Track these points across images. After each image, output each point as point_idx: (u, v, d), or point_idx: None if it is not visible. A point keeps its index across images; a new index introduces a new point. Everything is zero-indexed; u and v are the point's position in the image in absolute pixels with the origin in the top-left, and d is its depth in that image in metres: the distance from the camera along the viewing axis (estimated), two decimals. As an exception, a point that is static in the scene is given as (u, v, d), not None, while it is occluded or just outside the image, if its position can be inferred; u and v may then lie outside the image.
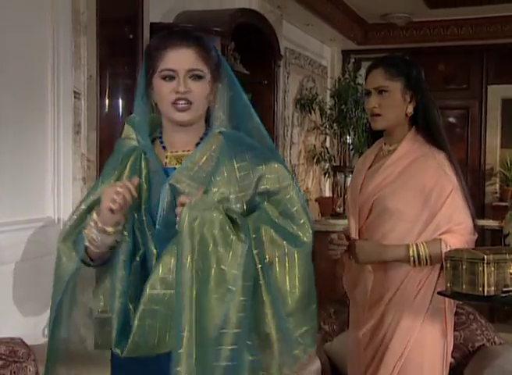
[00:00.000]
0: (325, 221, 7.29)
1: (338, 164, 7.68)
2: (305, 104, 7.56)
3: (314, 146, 7.95)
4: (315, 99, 7.63)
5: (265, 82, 5.69)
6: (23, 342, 3.06)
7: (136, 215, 2.15)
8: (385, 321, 2.90)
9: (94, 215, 2.12)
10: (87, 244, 2.13)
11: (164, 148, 2.24)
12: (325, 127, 7.64)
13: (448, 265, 2.66)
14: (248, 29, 5.25)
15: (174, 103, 2.14)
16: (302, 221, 2.15)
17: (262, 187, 2.15)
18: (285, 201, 2.15)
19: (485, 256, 2.53)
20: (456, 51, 8.68)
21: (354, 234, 2.98)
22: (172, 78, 2.14)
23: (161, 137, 2.26)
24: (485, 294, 2.54)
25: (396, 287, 2.89)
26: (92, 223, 2.11)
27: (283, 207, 2.15)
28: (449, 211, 2.85)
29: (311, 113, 7.65)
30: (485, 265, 2.53)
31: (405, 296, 2.88)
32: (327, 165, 7.70)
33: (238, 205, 2.12)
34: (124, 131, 2.29)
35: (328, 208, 7.59)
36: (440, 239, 2.82)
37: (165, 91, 2.14)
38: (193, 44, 2.15)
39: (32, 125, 3.60)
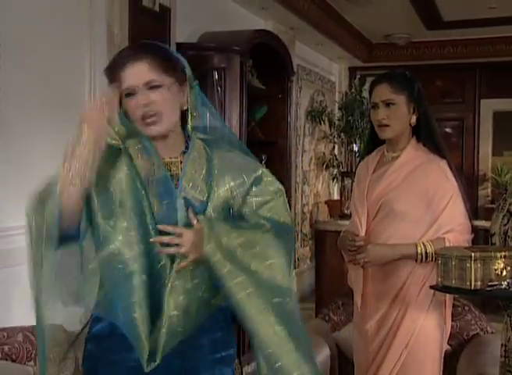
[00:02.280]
0: (334, 222, 7.29)
1: (345, 170, 7.67)
2: (315, 115, 7.57)
3: (324, 153, 7.95)
4: (325, 111, 7.63)
5: (280, 96, 5.69)
6: (64, 328, 3.08)
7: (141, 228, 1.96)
8: (392, 314, 2.88)
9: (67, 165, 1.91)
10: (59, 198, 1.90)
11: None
12: (334, 136, 7.65)
13: (439, 261, 2.66)
14: (264, 48, 5.26)
15: (142, 119, 1.98)
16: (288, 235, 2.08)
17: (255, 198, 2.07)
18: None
19: (473, 254, 2.54)
20: (452, 69, 8.66)
21: (363, 234, 2.95)
22: (133, 94, 1.97)
23: None
24: (472, 288, 2.54)
25: (402, 283, 2.88)
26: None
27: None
28: (450, 213, 2.85)
29: (320, 124, 7.65)
30: (473, 261, 2.53)
31: (411, 290, 2.86)
32: (335, 170, 7.70)
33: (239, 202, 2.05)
34: None
35: (337, 209, 7.59)
36: (444, 238, 2.82)
37: (130, 107, 1.98)
38: (145, 57, 1.98)
39: (70, 135, 3.61)
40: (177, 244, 1.92)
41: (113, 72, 2.00)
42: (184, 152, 2.07)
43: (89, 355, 2.11)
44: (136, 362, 1.96)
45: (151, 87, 1.97)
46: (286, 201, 2.15)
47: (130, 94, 1.97)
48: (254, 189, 2.07)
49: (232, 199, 2.05)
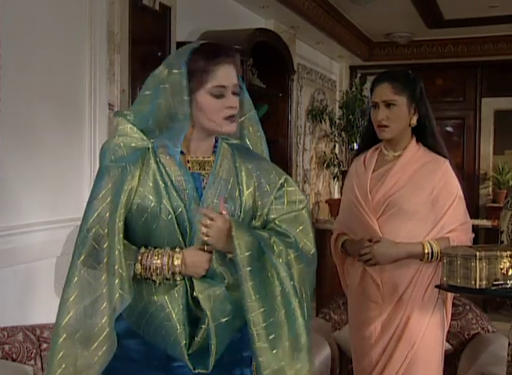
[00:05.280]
0: (335, 221, 7.28)
1: (346, 169, 7.66)
2: (316, 114, 7.56)
3: (325, 152, 7.95)
4: (325, 110, 7.63)
5: (280, 94, 5.70)
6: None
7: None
8: (397, 315, 2.87)
9: (177, 261, 1.99)
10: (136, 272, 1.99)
11: (182, 152, 2.08)
12: (334, 135, 7.65)
13: (445, 260, 2.65)
14: (265, 47, 5.26)
15: (227, 118, 2.04)
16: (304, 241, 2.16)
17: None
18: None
19: (478, 253, 2.54)
20: (453, 67, 8.66)
21: (378, 232, 2.92)
22: (221, 95, 2.02)
23: None
24: (477, 287, 2.54)
25: (407, 283, 2.87)
26: (169, 266, 1.98)
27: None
28: (455, 213, 2.86)
29: (321, 123, 7.65)
30: (478, 261, 2.53)
31: (416, 291, 2.86)
32: (336, 169, 7.70)
33: (258, 223, 2.11)
34: (119, 130, 2.08)
35: (337, 208, 7.55)
36: (448, 237, 2.82)
37: (216, 107, 2.03)
38: (233, 60, 2.07)
39: (71, 134, 3.62)
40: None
41: (206, 65, 2.02)
42: (214, 152, 2.14)
43: None
44: (157, 361, 2.01)
45: (234, 92, 2.06)
46: (309, 215, 2.19)
47: (219, 94, 2.02)
48: (276, 195, 2.12)
49: (255, 207, 2.10)
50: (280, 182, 2.14)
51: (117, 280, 1.91)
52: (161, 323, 1.96)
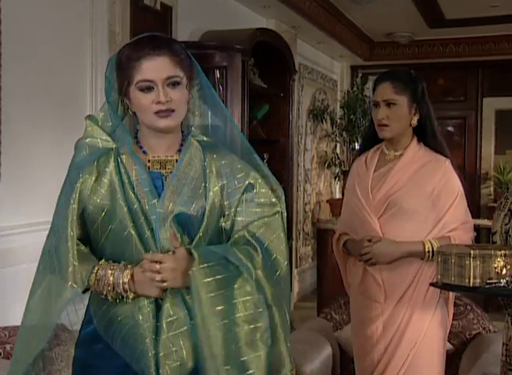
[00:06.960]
0: (336, 221, 7.30)
1: (347, 169, 7.67)
2: (317, 114, 7.57)
3: (326, 152, 7.96)
4: (326, 110, 7.64)
5: (281, 94, 5.70)
6: (66, 327, 3.08)
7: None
8: (399, 314, 2.87)
9: (127, 276, 1.89)
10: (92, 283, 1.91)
11: (144, 152, 2.00)
12: (336, 135, 7.65)
13: (439, 259, 2.66)
14: (266, 46, 5.26)
15: (157, 113, 1.92)
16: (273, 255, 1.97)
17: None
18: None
19: (472, 251, 2.54)
20: (454, 67, 8.66)
21: (378, 232, 2.92)
22: (150, 89, 1.91)
23: (138, 142, 2.02)
24: (471, 285, 2.54)
25: (409, 282, 2.87)
26: (121, 281, 1.89)
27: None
28: (456, 212, 2.86)
29: (322, 122, 7.65)
30: (472, 259, 2.53)
31: (417, 290, 2.86)
32: (337, 169, 7.70)
33: (228, 223, 1.98)
34: (87, 131, 2.01)
35: (338, 208, 7.54)
36: (449, 236, 2.83)
37: (145, 103, 1.92)
38: (165, 51, 1.92)
39: (71, 134, 3.61)
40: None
41: (129, 61, 1.92)
42: (179, 151, 2.03)
43: (76, 360, 2.09)
44: (120, 369, 1.95)
45: (171, 83, 1.92)
46: (283, 221, 2.04)
47: (147, 88, 1.91)
48: (245, 196, 1.99)
49: (223, 206, 1.98)
50: (249, 182, 2.00)
51: (70, 283, 1.88)
52: (130, 332, 1.90)
